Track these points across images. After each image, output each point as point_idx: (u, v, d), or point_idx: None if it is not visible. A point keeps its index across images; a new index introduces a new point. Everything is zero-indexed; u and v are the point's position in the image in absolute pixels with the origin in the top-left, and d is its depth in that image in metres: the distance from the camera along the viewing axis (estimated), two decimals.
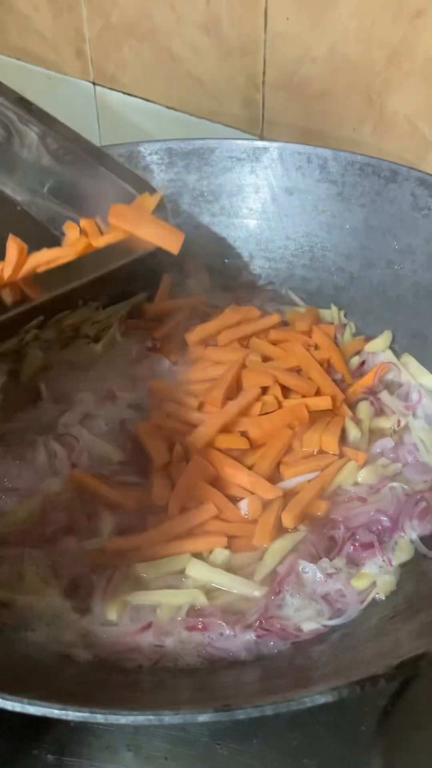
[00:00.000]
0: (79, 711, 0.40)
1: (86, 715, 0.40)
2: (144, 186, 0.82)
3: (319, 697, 0.41)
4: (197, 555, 0.65)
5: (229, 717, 0.40)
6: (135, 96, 1.13)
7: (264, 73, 0.97)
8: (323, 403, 0.75)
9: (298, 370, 0.80)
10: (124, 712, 0.40)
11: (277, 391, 0.76)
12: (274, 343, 0.83)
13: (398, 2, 0.81)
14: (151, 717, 0.40)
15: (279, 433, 0.73)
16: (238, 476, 0.70)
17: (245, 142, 0.89)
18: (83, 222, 0.79)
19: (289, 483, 0.70)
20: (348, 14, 0.86)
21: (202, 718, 0.40)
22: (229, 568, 0.64)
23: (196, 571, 0.63)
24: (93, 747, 0.59)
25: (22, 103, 0.83)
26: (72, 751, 0.59)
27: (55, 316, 0.88)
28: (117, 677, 0.56)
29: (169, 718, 0.40)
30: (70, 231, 0.80)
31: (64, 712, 0.40)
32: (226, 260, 0.93)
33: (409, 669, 0.42)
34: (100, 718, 0.40)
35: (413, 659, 0.43)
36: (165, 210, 0.81)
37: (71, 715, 0.40)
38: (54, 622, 0.60)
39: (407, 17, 0.81)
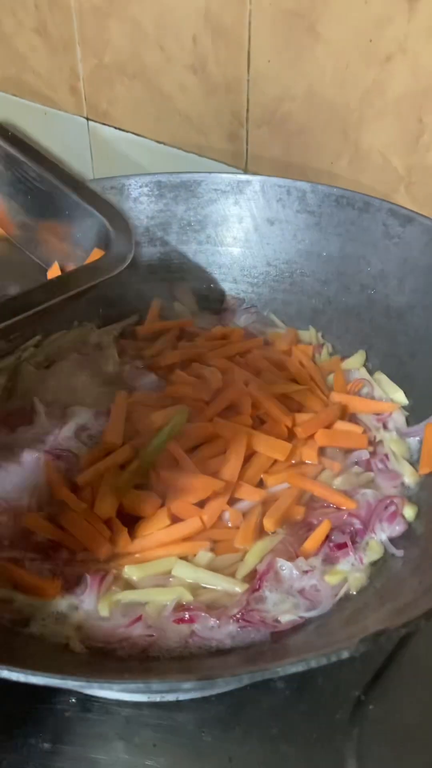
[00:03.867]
0: (77, 680, 0.44)
1: (83, 683, 0.44)
2: (118, 217, 0.82)
3: (289, 667, 0.45)
4: (183, 557, 0.69)
5: (211, 685, 0.44)
6: (126, 131, 1.18)
7: (247, 110, 1.02)
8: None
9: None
10: (117, 680, 0.44)
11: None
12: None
13: (370, 48, 0.86)
14: (141, 685, 0.44)
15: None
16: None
17: (229, 175, 0.94)
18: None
19: (273, 489, 0.74)
20: (324, 57, 0.91)
21: (187, 685, 0.44)
22: (213, 568, 0.68)
23: (182, 571, 0.67)
24: (86, 736, 0.63)
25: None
26: (67, 739, 0.62)
27: (51, 335, 0.93)
28: (110, 664, 0.59)
29: (156, 686, 0.44)
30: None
31: (63, 681, 0.44)
32: (212, 285, 0.98)
33: (370, 644, 0.47)
34: (95, 686, 0.44)
35: (375, 635, 0.47)
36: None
37: (70, 684, 0.44)
38: (50, 617, 0.64)
39: (378, 61, 0.87)
